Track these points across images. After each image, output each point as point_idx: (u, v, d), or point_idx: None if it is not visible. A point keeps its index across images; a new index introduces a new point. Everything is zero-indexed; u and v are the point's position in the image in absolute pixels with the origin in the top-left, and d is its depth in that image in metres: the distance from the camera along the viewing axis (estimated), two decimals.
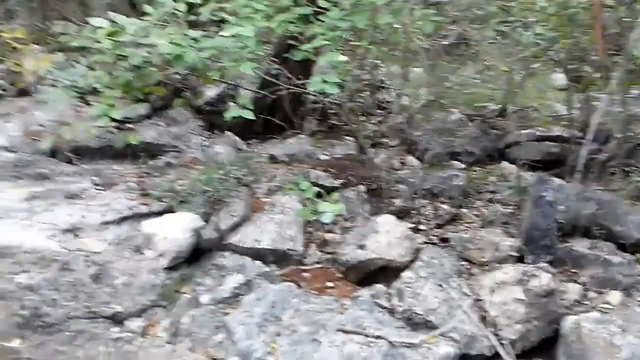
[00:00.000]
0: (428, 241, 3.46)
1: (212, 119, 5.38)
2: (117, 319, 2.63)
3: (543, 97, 5.58)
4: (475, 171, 4.61)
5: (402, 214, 3.70)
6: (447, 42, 3.32)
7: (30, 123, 4.42)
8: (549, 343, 2.82)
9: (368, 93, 5.56)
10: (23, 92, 4.97)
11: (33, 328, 2.39)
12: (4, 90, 5.04)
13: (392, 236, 3.20)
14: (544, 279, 2.89)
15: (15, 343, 2.32)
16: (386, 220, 3.33)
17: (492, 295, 2.90)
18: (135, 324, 2.65)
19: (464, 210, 3.86)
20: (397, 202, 3.89)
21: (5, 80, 5.13)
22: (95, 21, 2.53)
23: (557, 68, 5.65)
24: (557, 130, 4.91)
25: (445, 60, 4.03)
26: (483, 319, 2.82)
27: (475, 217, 3.79)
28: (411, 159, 4.92)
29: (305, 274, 3.21)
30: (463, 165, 4.65)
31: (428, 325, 2.73)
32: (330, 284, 3.14)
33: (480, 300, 2.92)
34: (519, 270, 2.98)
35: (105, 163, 4.42)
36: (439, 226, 3.68)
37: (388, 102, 6.00)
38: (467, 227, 3.67)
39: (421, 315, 2.76)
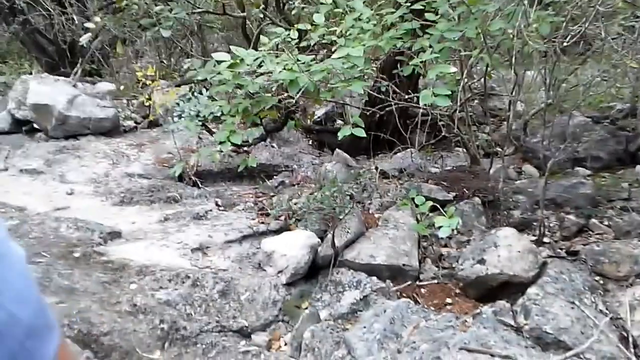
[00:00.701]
0: (554, 255, 3.24)
1: (321, 137, 5.55)
2: (243, 333, 2.78)
3: None
4: (603, 177, 4.25)
5: (522, 227, 3.51)
6: (565, 42, 3.11)
7: (161, 151, 4.86)
8: None
9: (478, 101, 5.39)
10: (153, 124, 5.51)
11: (171, 340, 2.59)
12: (137, 123, 5.62)
13: (514, 250, 3.05)
14: None
15: (157, 355, 2.53)
16: (506, 233, 3.17)
17: (634, 314, 2.64)
18: (260, 338, 2.78)
19: (593, 220, 3.57)
20: (517, 213, 3.70)
21: (138, 113, 5.72)
22: (217, 55, 2.74)
23: None
24: None
25: (564, 61, 3.78)
26: (623, 339, 2.57)
27: (607, 228, 3.48)
28: (529, 168, 4.67)
29: (422, 290, 3.16)
30: (589, 172, 4.32)
31: (560, 346, 2.54)
32: (449, 300, 3.06)
33: (619, 318, 2.67)
34: None
35: (225, 185, 4.73)
36: (565, 238, 3.44)
37: (500, 109, 5.77)
38: (598, 238, 3.38)
39: (552, 334, 2.58)
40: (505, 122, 4.82)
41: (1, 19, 7.51)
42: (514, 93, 3.91)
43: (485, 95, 4.24)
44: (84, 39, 3.84)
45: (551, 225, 3.57)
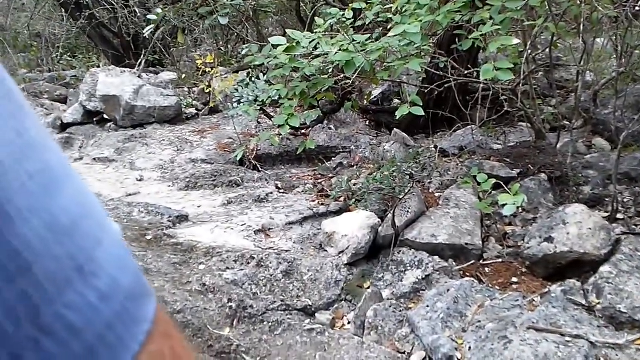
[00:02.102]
0: (629, 231, 3.08)
1: (378, 117, 5.51)
2: (308, 312, 2.84)
3: None
4: None
5: (593, 203, 3.36)
6: (638, 6, 2.91)
7: (222, 137, 5.00)
8: None
9: (543, 73, 5.16)
10: (214, 110, 5.66)
11: (239, 318, 2.70)
12: (199, 110, 5.79)
13: (585, 227, 2.92)
14: None
15: (226, 331, 2.65)
16: (576, 210, 3.04)
17: None
18: (324, 316, 2.84)
19: None
20: (587, 189, 3.54)
21: (199, 101, 5.89)
22: (273, 39, 2.77)
23: None
24: None
25: (636, 27, 3.54)
26: None
27: None
28: (599, 141, 4.44)
29: (486, 269, 3.10)
30: None
31: (635, 325, 2.43)
32: (514, 280, 2.99)
33: None
34: None
35: (284, 168, 4.81)
36: None
37: (567, 80, 5.50)
38: None
39: (626, 313, 2.48)
40: (573, 94, 4.59)
41: (69, 15, 7.91)
42: (582, 62, 3.71)
43: (551, 67, 4.05)
44: (147, 31, 3.98)
45: (625, 200, 3.39)
